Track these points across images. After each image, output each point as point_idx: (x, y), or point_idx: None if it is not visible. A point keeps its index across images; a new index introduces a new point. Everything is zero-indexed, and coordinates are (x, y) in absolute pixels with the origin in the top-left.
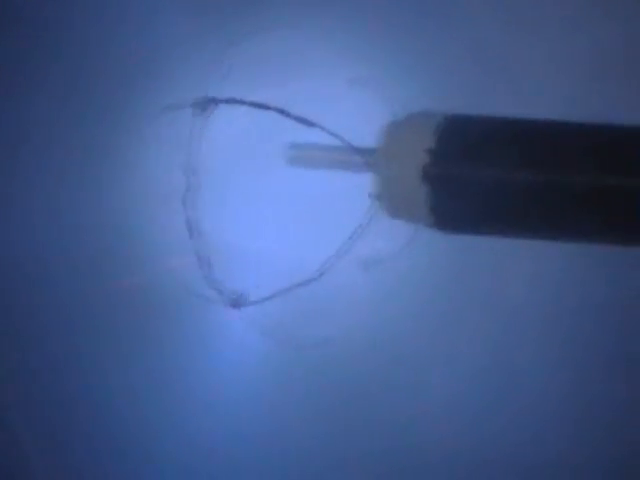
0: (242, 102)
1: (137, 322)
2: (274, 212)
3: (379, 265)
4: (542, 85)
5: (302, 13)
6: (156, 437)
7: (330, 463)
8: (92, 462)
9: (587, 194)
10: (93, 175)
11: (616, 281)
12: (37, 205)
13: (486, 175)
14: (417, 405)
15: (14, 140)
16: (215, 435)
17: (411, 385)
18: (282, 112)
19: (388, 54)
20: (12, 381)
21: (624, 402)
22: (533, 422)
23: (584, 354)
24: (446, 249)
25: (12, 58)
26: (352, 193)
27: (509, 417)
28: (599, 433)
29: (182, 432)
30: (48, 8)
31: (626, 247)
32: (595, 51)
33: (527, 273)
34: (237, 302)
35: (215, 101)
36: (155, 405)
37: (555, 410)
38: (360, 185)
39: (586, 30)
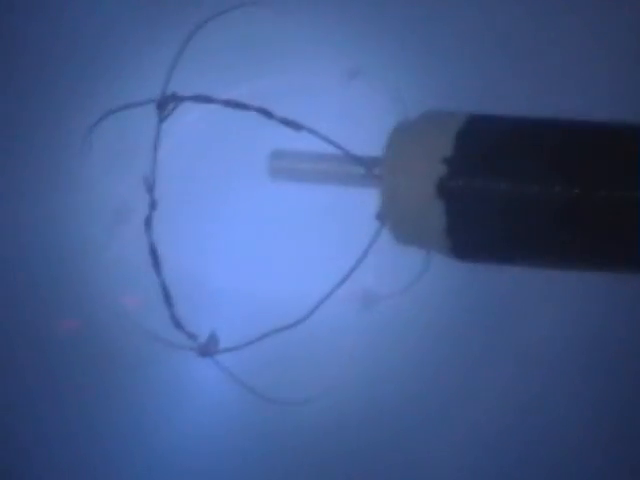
0: (212, 100)
1: (89, 370)
2: (251, 237)
3: (381, 303)
4: (565, 84)
5: None
6: None
7: None
8: None
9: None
10: (30, 190)
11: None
12: None
13: (517, 189)
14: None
15: None
16: None
17: (413, 460)
18: (263, 112)
19: (394, 40)
20: None
21: None
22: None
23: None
24: (463, 282)
25: None
26: (350, 213)
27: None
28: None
29: None
30: None
31: None
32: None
33: (550, 312)
34: (207, 349)
35: (177, 99)
36: (110, 457)
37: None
38: (361, 203)
39: (602, 27)
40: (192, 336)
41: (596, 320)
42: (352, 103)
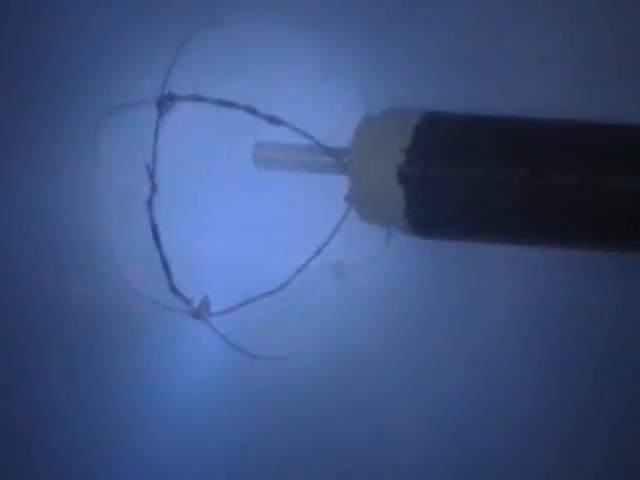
0: (204, 99)
1: (96, 331)
2: (240, 216)
3: (351, 272)
4: (525, 82)
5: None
6: (116, 449)
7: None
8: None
9: (571, 193)
10: (51, 176)
11: (600, 288)
12: None
13: (465, 175)
14: (386, 425)
15: None
16: (171, 449)
17: (380, 405)
18: (249, 109)
19: (364, 42)
20: None
21: (614, 413)
22: (516, 440)
23: (570, 366)
24: (422, 256)
25: None
26: (324, 196)
27: (491, 436)
28: (588, 447)
29: (139, 444)
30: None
31: (609, 251)
32: (580, 49)
33: (509, 282)
34: (199, 313)
35: (174, 98)
36: (114, 416)
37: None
38: (332, 187)
39: (571, 28)
40: (187, 301)
41: (561, 294)
42: (325, 101)
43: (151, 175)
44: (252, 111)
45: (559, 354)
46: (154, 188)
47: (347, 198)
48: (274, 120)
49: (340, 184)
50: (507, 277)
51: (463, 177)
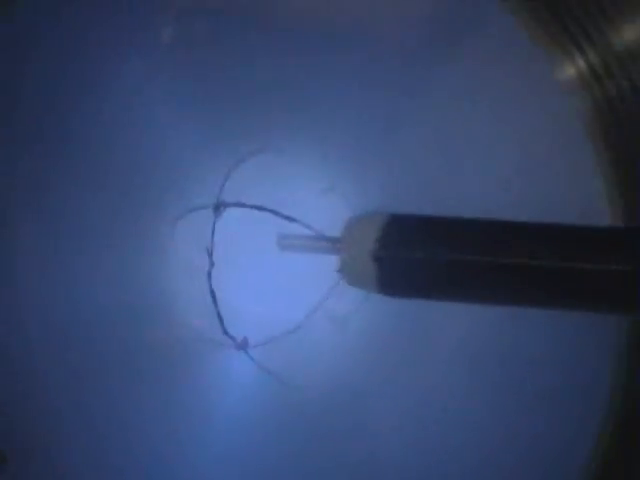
0: (245, 205)
1: (167, 366)
2: (269, 283)
3: (342, 320)
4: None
5: (285, 138)
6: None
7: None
8: None
9: (493, 272)
10: (132, 264)
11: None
12: (82, 279)
13: (419, 258)
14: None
15: (54, 230)
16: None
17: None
18: (274, 212)
19: (351, 168)
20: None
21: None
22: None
23: (507, 399)
24: (390, 312)
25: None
26: (324, 269)
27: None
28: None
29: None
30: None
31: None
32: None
33: (458, 333)
34: (241, 346)
35: (225, 204)
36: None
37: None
38: (330, 264)
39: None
40: (233, 338)
41: (502, 344)
42: (324, 208)
43: (210, 255)
44: (276, 213)
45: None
46: (212, 264)
47: (339, 270)
48: (291, 219)
49: (335, 261)
50: (455, 328)
51: (418, 259)
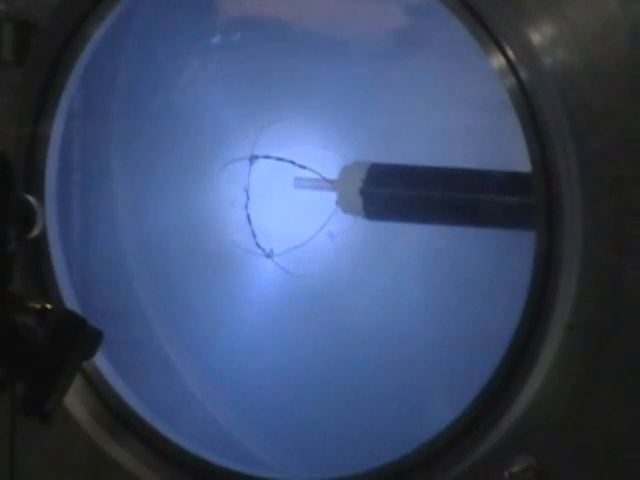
0: (271, 157)
1: (217, 266)
2: (288, 212)
3: (340, 235)
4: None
5: (297, 111)
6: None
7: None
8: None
9: (438, 203)
10: (194, 197)
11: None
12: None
13: (392, 193)
14: None
15: (140, 176)
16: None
17: None
18: (291, 162)
19: (343, 132)
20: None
21: None
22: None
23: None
24: (371, 230)
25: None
26: (327, 202)
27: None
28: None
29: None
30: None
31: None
32: None
33: (415, 242)
34: (269, 254)
35: (257, 157)
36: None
37: None
38: (330, 198)
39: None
40: (262, 248)
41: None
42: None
43: (247, 192)
44: (292, 162)
45: None
46: (247, 198)
47: (337, 202)
48: (302, 166)
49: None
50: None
51: (395, 193)
